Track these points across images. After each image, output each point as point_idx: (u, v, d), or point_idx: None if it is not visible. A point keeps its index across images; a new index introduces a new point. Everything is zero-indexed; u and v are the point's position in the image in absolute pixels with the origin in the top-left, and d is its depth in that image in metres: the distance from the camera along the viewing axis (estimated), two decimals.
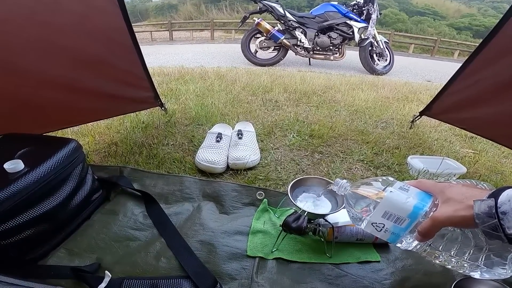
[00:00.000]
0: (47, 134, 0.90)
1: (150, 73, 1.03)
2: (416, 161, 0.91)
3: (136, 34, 0.90)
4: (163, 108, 1.21)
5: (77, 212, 0.63)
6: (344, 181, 0.51)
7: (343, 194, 0.51)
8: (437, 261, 0.45)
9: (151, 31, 8.28)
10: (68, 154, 0.60)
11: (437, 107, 1.14)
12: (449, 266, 0.45)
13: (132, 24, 0.87)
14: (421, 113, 1.21)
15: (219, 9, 13.80)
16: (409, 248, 0.46)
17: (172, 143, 1.02)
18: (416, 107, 1.56)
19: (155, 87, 1.10)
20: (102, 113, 1.04)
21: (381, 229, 0.45)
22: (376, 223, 0.45)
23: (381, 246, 0.61)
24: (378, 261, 0.58)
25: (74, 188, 0.61)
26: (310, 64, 3.79)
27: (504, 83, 0.84)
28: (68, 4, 0.72)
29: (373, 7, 3.40)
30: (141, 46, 0.93)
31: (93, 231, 0.63)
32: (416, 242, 0.44)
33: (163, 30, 8.74)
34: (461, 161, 0.97)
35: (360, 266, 0.57)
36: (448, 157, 0.96)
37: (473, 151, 1.12)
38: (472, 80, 0.96)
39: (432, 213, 0.40)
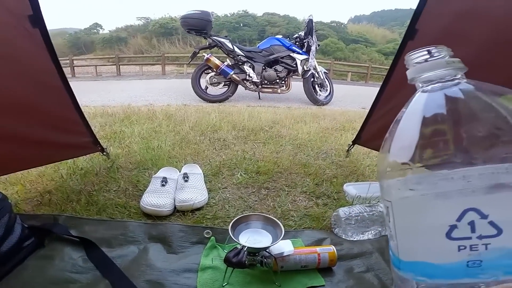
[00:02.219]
0: None
1: (90, 115, 1.01)
2: (350, 188, 1.01)
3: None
4: (104, 153, 1.16)
5: (7, 258, 0.60)
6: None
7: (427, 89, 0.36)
8: None
9: (96, 65, 7.93)
10: None
11: (365, 136, 1.26)
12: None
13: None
14: (353, 142, 1.34)
15: (172, 42, 13.82)
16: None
17: (114, 189, 0.98)
18: (351, 135, 1.71)
19: (94, 131, 1.06)
20: (32, 161, 0.95)
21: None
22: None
23: (325, 270, 0.65)
24: (323, 285, 0.62)
25: (0, 237, 0.59)
26: (260, 98, 3.91)
27: None
28: None
29: (312, 39, 3.67)
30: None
31: (27, 274, 0.59)
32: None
33: (110, 64, 8.46)
34: None
35: None
36: None
37: None
38: (388, 107, 1.04)
39: None
